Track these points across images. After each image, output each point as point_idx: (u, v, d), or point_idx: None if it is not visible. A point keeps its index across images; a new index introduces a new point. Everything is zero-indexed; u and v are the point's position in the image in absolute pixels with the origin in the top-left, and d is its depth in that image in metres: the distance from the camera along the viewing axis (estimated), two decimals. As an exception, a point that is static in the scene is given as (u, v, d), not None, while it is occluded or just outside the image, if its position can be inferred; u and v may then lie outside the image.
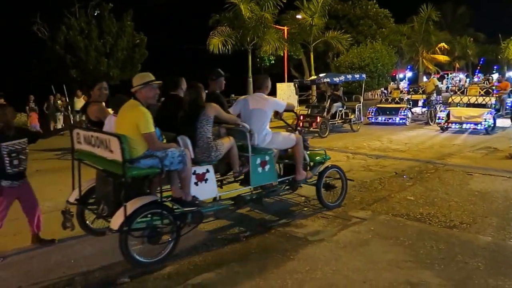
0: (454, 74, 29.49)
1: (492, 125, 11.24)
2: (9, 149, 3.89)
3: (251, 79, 16.05)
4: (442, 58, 26.44)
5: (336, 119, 12.59)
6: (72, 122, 16.29)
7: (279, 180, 4.70)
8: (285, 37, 19.53)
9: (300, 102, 17.99)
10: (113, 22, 18.44)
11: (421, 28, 23.31)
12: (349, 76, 14.36)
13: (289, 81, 22.44)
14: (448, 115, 11.78)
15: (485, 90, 12.18)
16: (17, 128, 4.06)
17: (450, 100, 12.57)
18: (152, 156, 3.54)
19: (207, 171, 4.02)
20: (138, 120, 3.49)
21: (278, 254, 3.80)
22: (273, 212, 5.03)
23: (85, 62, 17.32)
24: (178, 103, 4.14)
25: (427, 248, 3.83)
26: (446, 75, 26.10)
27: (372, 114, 14.51)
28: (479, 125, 11.15)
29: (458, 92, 13.24)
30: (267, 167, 4.49)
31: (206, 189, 4.01)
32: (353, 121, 12.86)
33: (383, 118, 14.24)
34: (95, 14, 18.51)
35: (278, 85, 17.08)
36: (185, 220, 3.81)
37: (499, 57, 30.01)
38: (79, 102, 14.89)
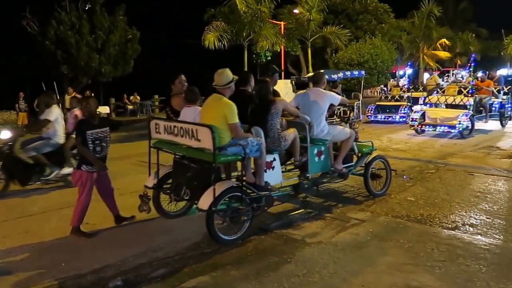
0: (456, 71, 29.38)
1: (468, 128, 10.35)
2: (94, 137, 4.25)
3: None
4: (443, 54, 26.32)
5: (334, 117, 12.48)
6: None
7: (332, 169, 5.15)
8: (282, 32, 19.36)
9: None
10: (105, 17, 18.06)
11: (422, 23, 23.16)
12: (348, 73, 14.23)
13: (286, 78, 22.25)
14: (423, 116, 10.90)
15: (459, 89, 11.27)
16: (100, 117, 4.49)
17: (427, 100, 11.66)
18: (236, 144, 3.98)
19: (274, 159, 4.48)
20: (227, 111, 3.95)
21: (275, 256, 3.72)
22: (270, 214, 4.94)
23: (76, 58, 17.02)
24: (248, 98, 4.53)
25: (428, 251, 3.76)
26: (447, 72, 26.00)
27: (372, 112, 14.39)
28: (454, 128, 10.23)
29: (440, 92, 11.94)
30: (322, 157, 4.97)
31: (273, 176, 4.46)
32: (352, 119, 12.74)
33: (383, 116, 14.11)
34: (86, 8, 18.11)
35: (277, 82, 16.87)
36: (260, 202, 4.22)
37: (502, 53, 29.87)
38: (70, 100, 14.72)
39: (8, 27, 18.64)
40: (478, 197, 5.42)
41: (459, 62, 31.58)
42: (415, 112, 11.24)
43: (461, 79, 17.10)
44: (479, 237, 4.08)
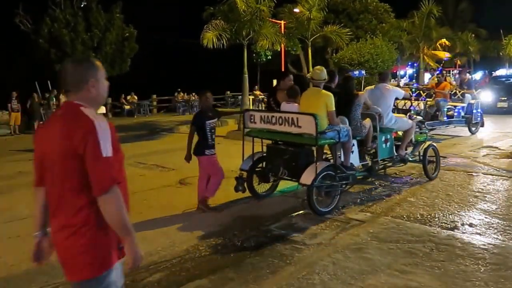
0: (455, 71, 29.33)
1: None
2: (211, 126, 4.96)
3: (246, 76, 15.77)
4: (443, 54, 26.25)
5: None
6: None
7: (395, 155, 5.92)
8: (282, 31, 19.29)
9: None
10: (101, 14, 17.69)
11: (422, 23, 23.11)
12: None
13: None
14: None
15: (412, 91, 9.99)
16: (212, 109, 5.20)
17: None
18: (332, 129, 4.79)
19: (353, 144, 5.25)
20: (327, 100, 4.76)
21: (274, 258, 3.69)
22: (269, 215, 4.92)
23: (71, 57, 16.81)
24: (333, 93, 5.04)
25: (427, 251, 3.74)
26: (446, 72, 25.94)
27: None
28: None
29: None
30: (388, 144, 5.75)
31: (353, 159, 5.26)
32: None
33: None
34: (82, 5, 17.77)
35: (275, 81, 16.82)
36: (347, 180, 5.01)
37: (501, 53, 29.77)
38: (63, 100, 14.53)
39: (0, 25, 18.31)
40: (477, 197, 5.40)
41: (458, 62, 31.51)
42: None
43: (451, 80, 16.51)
44: (478, 237, 4.07)
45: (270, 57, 25.80)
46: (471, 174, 6.61)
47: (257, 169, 5.32)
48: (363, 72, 15.98)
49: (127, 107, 19.92)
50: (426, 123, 8.44)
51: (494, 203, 5.10)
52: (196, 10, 17.95)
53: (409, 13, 25.71)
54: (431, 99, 10.62)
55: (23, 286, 3.38)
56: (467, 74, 14.89)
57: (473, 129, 10.85)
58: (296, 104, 5.12)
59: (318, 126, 4.48)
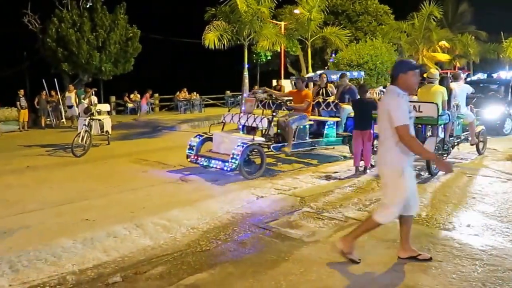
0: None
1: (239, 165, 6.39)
2: None
3: (246, 74, 15.83)
4: (443, 56, 26.31)
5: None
6: (63, 117, 16.16)
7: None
8: (282, 32, 19.35)
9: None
10: (106, 15, 18.07)
11: (422, 25, 23.16)
12: (347, 74, 14.16)
13: (285, 78, 22.24)
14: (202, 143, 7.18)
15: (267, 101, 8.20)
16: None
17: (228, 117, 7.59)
18: (445, 114, 6.80)
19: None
20: (443, 92, 6.85)
21: (273, 255, 3.74)
22: (268, 212, 4.97)
23: (77, 56, 17.04)
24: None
25: (424, 251, 3.77)
26: (446, 74, 25.96)
27: (370, 112, 14.34)
28: (226, 163, 6.43)
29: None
30: (459, 126, 7.77)
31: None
32: None
33: None
34: (87, 6, 18.16)
35: (274, 82, 16.96)
36: (448, 150, 7.31)
37: (501, 56, 29.82)
38: (70, 97, 14.73)
39: (9, 24, 18.69)
40: (475, 198, 5.45)
41: (458, 64, 31.58)
42: (195, 136, 7.25)
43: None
44: (475, 238, 4.10)
45: (270, 58, 25.86)
46: (470, 176, 6.67)
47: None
48: (362, 73, 16.04)
49: (130, 105, 20.21)
50: (272, 146, 6.88)
51: (493, 205, 5.14)
52: (197, 11, 18.07)
53: (408, 15, 25.75)
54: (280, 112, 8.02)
55: (31, 275, 3.42)
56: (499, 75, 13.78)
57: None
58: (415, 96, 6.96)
59: (439, 110, 6.43)
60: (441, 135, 6.99)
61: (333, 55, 18.46)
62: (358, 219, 4.64)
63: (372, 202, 5.27)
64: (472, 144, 8.04)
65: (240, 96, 16.11)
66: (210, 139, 7.23)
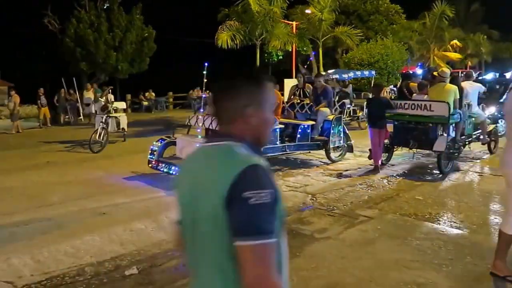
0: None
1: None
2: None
3: None
4: (454, 55, 26.04)
5: (344, 116, 12.50)
6: (81, 114, 16.50)
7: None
8: (294, 32, 19.39)
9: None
10: (122, 16, 18.53)
11: (433, 24, 22.96)
12: (358, 73, 14.17)
13: (296, 77, 22.20)
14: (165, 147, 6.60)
15: None
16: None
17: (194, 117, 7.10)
18: (456, 113, 6.69)
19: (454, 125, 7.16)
20: (456, 91, 6.70)
21: (284, 250, 3.79)
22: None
23: (95, 55, 17.43)
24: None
25: (435, 249, 3.79)
26: (457, 73, 25.60)
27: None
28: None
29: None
30: (471, 125, 7.63)
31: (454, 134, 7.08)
32: (361, 119, 12.78)
33: None
34: (105, 7, 18.61)
35: (286, 81, 16.97)
36: (459, 149, 7.15)
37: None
38: (88, 95, 15.03)
39: (30, 25, 19.23)
40: (486, 197, 5.44)
41: (470, 63, 31.20)
42: (158, 140, 6.71)
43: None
44: (487, 237, 4.10)
45: (281, 57, 25.90)
46: (481, 175, 6.65)
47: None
48: (373, 72, 15.99)
49: (145, 103, 20.63)
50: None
51: (504, 204, 5.12)
52: (211, 11, 18.25)
53: (420, 14, 25.55)
54: None
55: (52, 266, 3.55)
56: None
57: (334, 156, 7.64)
58: (426, 96, 7.15)
59: (450, 109, 6.38)
60: (452, 134, 6.90)
61: (314, 53, 18.40)
62: (369, 216, 4.68)
63: (383, 200, 5.30)
64: (483, 143, 8.04)
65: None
66: (173, 143, 6.56)
